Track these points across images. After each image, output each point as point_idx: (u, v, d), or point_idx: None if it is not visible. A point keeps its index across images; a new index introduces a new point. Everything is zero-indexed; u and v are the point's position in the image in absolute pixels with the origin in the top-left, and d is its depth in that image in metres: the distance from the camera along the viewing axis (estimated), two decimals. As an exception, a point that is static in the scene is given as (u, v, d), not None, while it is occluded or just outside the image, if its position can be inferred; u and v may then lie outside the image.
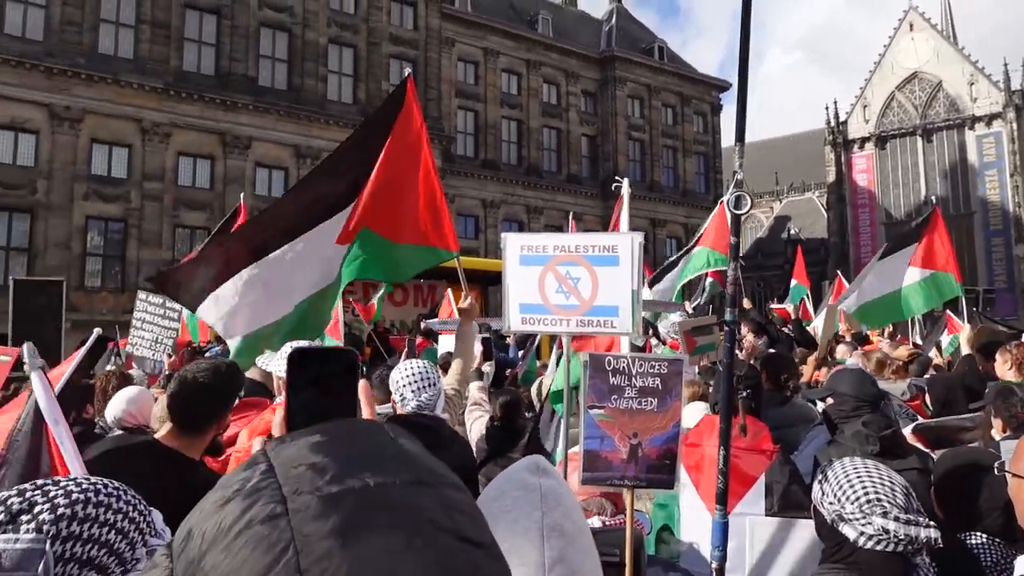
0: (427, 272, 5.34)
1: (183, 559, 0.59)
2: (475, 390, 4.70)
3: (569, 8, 47.46)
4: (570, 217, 17.46)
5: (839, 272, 16.29)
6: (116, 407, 4.15)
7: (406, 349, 8.85)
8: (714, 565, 2.09)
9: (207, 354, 9.12)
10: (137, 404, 4.19)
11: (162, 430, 2.71)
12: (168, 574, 0.61)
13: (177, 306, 8.04)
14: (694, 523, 2.78)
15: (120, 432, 4.03)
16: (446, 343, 7.72)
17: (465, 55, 37.95)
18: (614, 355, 2.10)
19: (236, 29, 29.45)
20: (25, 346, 2.22)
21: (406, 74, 4.44)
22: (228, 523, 0.57)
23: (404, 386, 3.14)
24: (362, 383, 0.85)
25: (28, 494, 1.21)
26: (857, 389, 3.57)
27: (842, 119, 53.57)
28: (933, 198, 9.81)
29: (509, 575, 0.61)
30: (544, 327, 2.41)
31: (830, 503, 1.99)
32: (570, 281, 2.31)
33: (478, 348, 5.07)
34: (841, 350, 8.55)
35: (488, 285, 21.77)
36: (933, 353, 8.40)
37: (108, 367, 8.04)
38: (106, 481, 1.31)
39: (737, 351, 9.59)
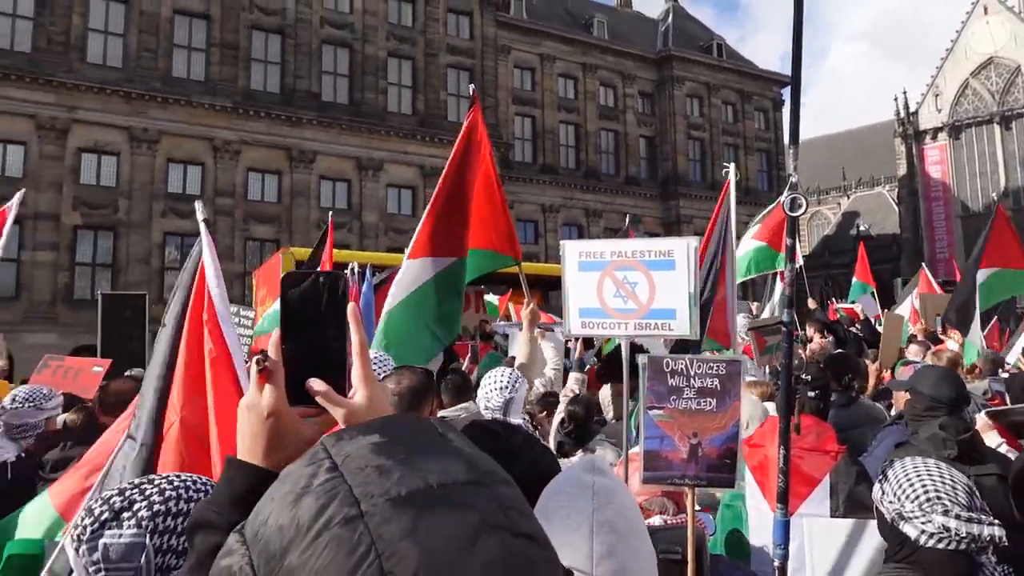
0: (487, 278, 5.48)
1: (261, 550, 0.62)
2: (572, 381, 4.84)
3: (624, 9, 47.17)
4: (626, 221, 17.36)
5: (923, 265, 15.57)
6: None
7: (469, 355, 8.98)
8: (776, 564, 2.11)
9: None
10: None
11: None
12: (247, 561, 0.63)
13: (251, 313, 8.38)
14: (761, 524, 2.78)
15: None
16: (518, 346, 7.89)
17: (521, 62, 38.18)
18: (673, 356, 2.15)
19: (299, 47, 30.40)
20: (197, 203, 2.81)
21: (471, 90, 4.61)
22: (306, 521, 0.59)
23: (480, 388, 3.28)
24: (351, 305, 0.88)
25: (128, 493, 1.34)
26: (934, 389, 3.41)
27: (912, 110, 51.58)
28: (994, 195, 9.41)
29: (559, 563, 0.65)
30: (603, 331, 2.48)
31: (890, 502, 1.98)
32: (628, 286, 2.37)
33: (550, 351, 5.15)
34: (913, 350, 8.25)
35: (549, 290, 21.80)
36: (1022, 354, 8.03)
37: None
38: (195, 477, 1.45)
39: (802, 352, 9.37)
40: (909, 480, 1.96)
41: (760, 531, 2.92)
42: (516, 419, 3.39)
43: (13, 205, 3.88)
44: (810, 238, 56.52)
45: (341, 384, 0.88)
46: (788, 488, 2.12)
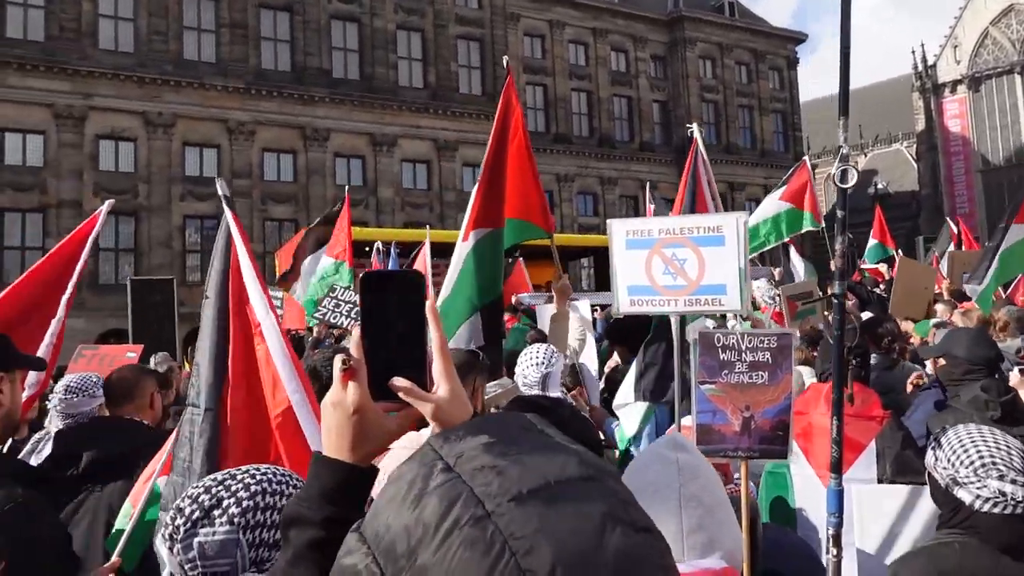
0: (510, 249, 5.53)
1: (386, 550, 0.63)
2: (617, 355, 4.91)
3: (633, -28, 46.26)
4: (646, 189, 17.25)
5: (948, 219, 15.33)
6: None
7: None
8: (831, 532, 2.14)
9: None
10: None
11: None
12: (371, 560, 0.64)
13: (279, 294, 8.53)
14: (807, 490, 2.82)
15: None
16: (545, 319, 7.90)
17: (531, 29, 37.64)
18: (723, 332, 2.16)
19: (308, 24, 30.17)
20: (217, 180, 2.87)
21: (504, 62, 4.63)
22: (433, 522, 0.61)
23: (516, 366, 3.31)
24: (429, 303, 0.91)
25: (214, 490, 1.37)
26: (969, 352, 3.41)
27: (930, 63, 50.44)
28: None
29: (670, 553, 0.67)
30: (653, 308, 2.49)
31: (944, 468, 2.00)
32: (677, 262, 2.38)
33: (575, 322, 5.20)
34: (940, 310, 8.15)
35: (567, 260, 21.84)
36: None
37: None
38: (275, 469, 1.47)
39: (827, 314, 9.19)
40: (963, 446, 1.97)
41: (804, 496, 2.96)
42: (555, 392, 3.44)
43: (102, 213, 3.88)
44: (827, 198, 55.85)
45: (423, 379, 0.90)
46: (841, 458, 2.15)
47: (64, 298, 3.52)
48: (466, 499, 0.61)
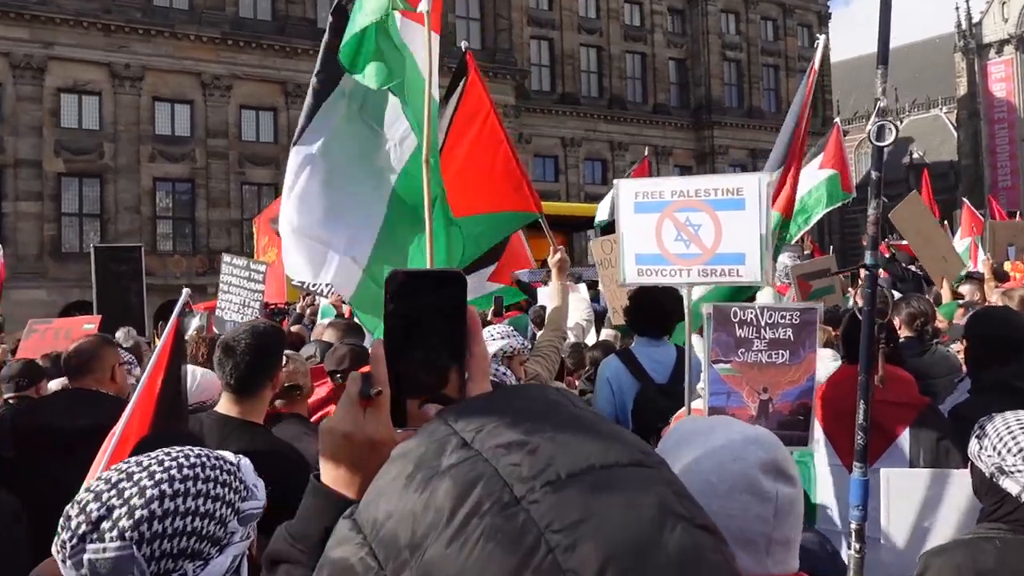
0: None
1: (386, 540, 0.57)
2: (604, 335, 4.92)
3: (650, -85, 45.57)
4: (645, 151, 17.05)
5: (965, 200, 15.28)
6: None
7: (492, 308, 8.97)
8: (853, 526, 2.11)
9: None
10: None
11: (221, 401, 2.82)
12: (367, 551, 0.59)
13: (262, 267, 8.39)
14: (831, 481, 2.79)
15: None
16: (542, 296, 7.94)
17: (536, -23, 37.19)
18: (740, 305, 2.11)
19: (290, -32, 29.77)
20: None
21: (463, 48, 4.69)
22: (446, 507, 0.55)
23: None
24: (470, 308, 0.79)
25: (105, 496, 1.28)
26: (993, 332, 3.37)
27: (975, 20, 49.91)
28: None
29: (734, 558, 0.60)
30: (662, 278, 2.42)
31: (988, 456, 1.98)
32: (690, 228, 2.30)
33: (579, 301, 5.17)
34: (967, 290, 8.04)
35: (574, 231, 21.74)
36: None
37: (191, 331, 8.46)
38: (181, 460, 1.35)
39: (852, 291, 9.16)
40: (1011, 433, 1.95)
41: (829, 488, 2.93)
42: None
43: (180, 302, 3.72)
44: (858, 167, 55.50)
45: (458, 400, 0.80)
46: (867, 446, 2.11)
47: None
48: (488, 481, 0.56)
